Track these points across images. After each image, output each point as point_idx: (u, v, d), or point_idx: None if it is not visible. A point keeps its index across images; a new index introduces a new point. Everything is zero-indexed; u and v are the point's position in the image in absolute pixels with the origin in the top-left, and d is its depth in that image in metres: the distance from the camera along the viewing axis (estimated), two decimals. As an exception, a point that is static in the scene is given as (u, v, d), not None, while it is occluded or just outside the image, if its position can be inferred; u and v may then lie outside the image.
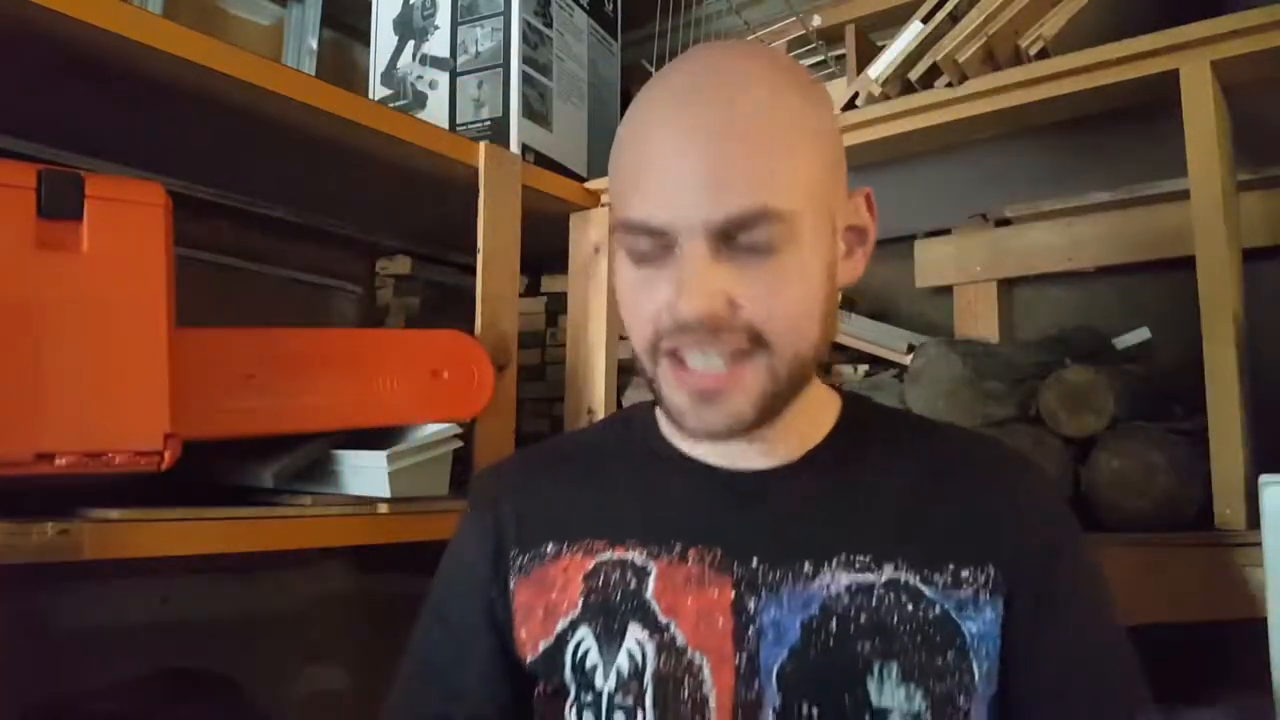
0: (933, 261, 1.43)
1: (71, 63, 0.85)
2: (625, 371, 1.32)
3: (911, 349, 1.21)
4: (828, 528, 0.64)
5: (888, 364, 1.27)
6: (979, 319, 1.37)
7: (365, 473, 0.95)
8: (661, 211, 0.59)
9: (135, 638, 1.17)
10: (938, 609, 0.61)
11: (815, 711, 0.59)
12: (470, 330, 1.10)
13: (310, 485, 0.98)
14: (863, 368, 1.30)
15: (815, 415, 0.70)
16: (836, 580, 0.62)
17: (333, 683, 1.36)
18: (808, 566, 0.62)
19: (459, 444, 1.02)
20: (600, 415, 1.26)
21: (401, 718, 0.71)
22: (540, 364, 1.48)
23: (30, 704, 0.99)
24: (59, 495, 0.78)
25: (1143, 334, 1.14)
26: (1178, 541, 0.86)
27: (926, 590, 0.62)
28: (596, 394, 1.27)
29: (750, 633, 0.61)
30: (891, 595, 0.61)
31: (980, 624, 0.62)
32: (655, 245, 0.61)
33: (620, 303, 0.66)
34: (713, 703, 0.60)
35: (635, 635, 0.63)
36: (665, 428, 0.72)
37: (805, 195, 0.61)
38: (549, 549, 0.69)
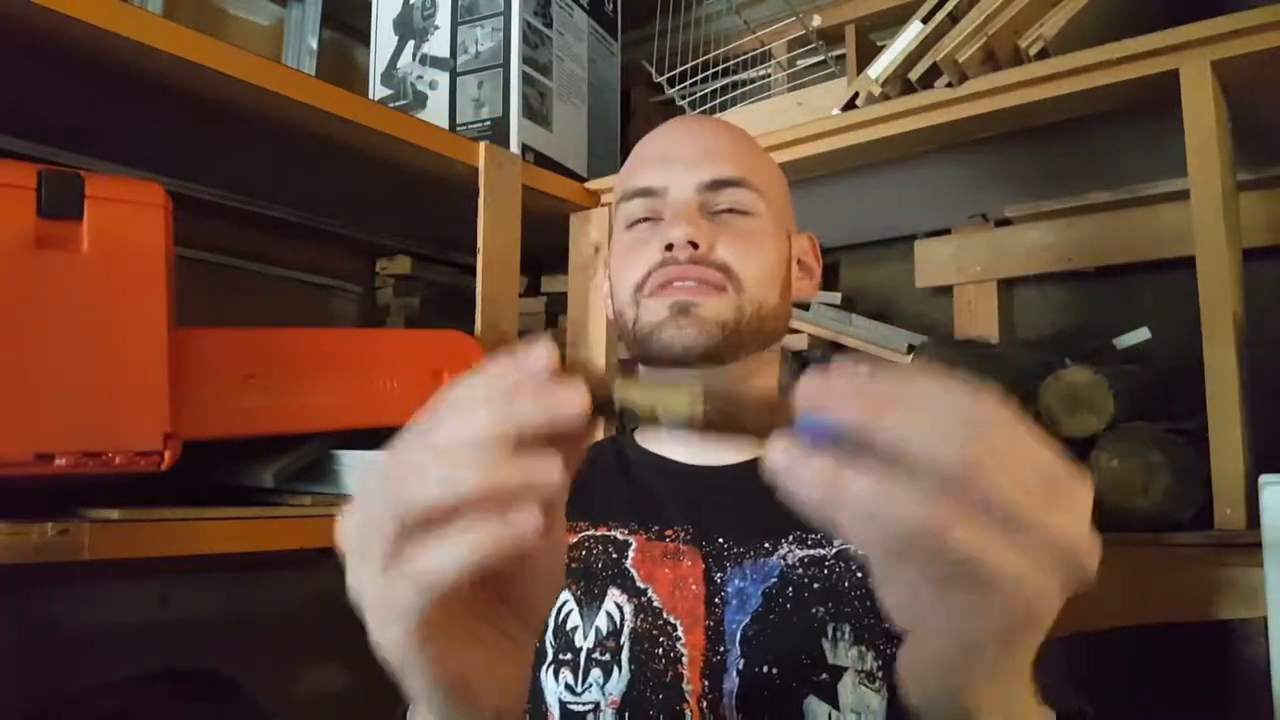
0: (933, 261, 1.43)
1: (71, 63, 0.85)
2: (625, 371, 1.32)
3: (911, 349, 1.21)
4: (782, 511, 0.68)
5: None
6: (979, 319, 1.37)
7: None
8: (659, 176, 0.75)
9: (135, 638, 1.17)
10: None
11: (775, 671, 0.64)
12: (470, 330, 1.10)
13: (310, 485, 0.97)
14: (863, 368, 1.30)
15: None
16: (792, 553, 0.68)
17: (333, 683, 1.36)
18: (767, 544, 0.69)
19: (459, 444, 1.02)
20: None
21: None
22: (540, 364, 1.48)
23: (30, 704, 0.99)
24: (59, 495, 0.78)
25: (1143, 334, 1.14)
26: (1178, 541, 0.86)
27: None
28: (596, 394, 1.27)
29: (717, 600, 0.67)
30: (841, 564, 0.67)
31: None
32: (649, 210, 0.75)
33: (613, 266, 0.78)
34: (685, 660, 0.65)
35: (614, 598, 0.68)
36: (640, 438, 0.80)
37: (770, 191, 0.77)
38: None
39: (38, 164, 0.73)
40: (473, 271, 1.13)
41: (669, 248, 0.72)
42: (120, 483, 0.77)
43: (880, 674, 0.64)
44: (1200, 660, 0.98)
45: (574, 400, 0.33)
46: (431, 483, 0.32)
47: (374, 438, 0.97)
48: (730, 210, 0.74)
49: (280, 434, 0.92)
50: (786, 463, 0.33)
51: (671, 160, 0.76)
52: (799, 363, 1.29)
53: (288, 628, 1.33)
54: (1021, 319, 1.40)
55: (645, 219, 0.76)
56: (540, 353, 0.33)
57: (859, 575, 0.67)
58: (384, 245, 1.53)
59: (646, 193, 0.76)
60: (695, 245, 0.71)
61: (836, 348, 1.34)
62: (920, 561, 0.32)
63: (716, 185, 0.74)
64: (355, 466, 0.97)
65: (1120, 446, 0.92)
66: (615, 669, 0.66)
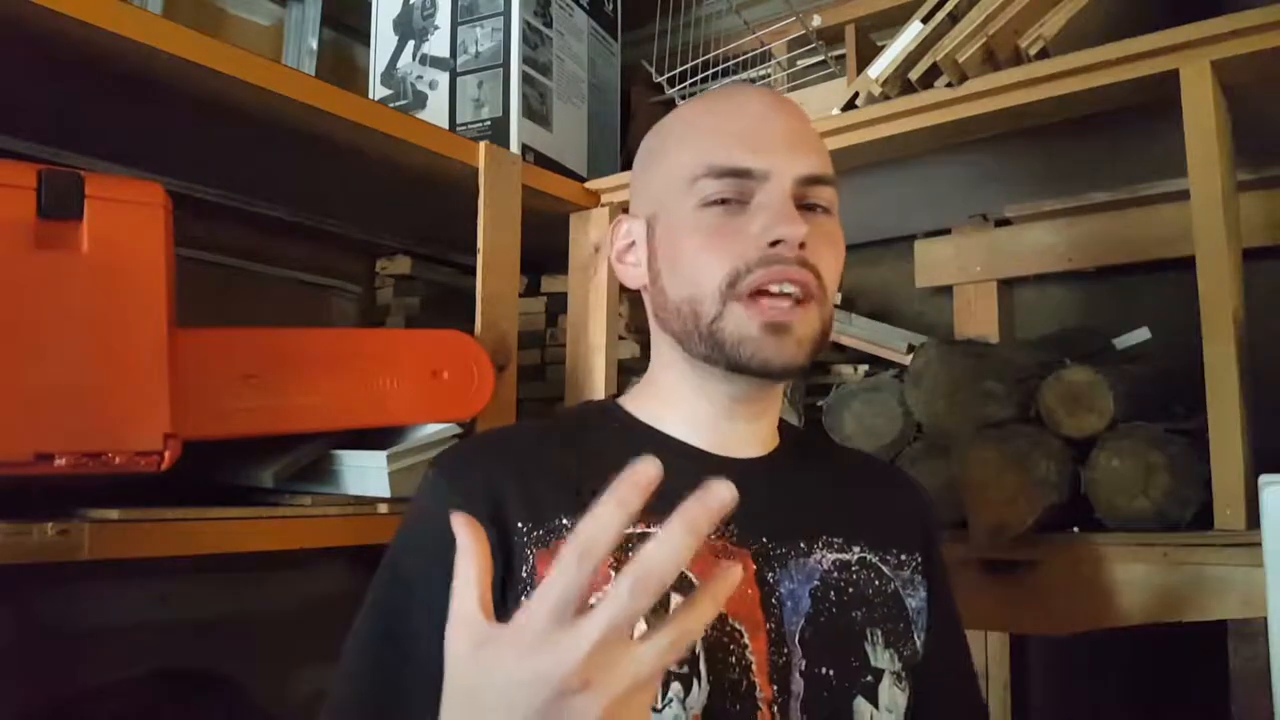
0: (933, 261, 1.43)
1: (71, 63, 0.85)
2: (625, 371, 1.32)
3: (911, 349, 1.21)
4: (809, 512, 0.71)
5: (887, 364, 1.27)
6: (979, 319, 1.37)
7: (365, 473, 0.95)
8: (758, 158, 0.67)
9: (135, 638, 1.17)
10: (892, 586, 0.71)
11: (832, 672, 0.64)
12: (470, 330, 1.10)
13: (310, 485, 0.98)
14: (863, 368, 1.30)
15: (776, 419, 0.77)
16: (825, 557, 0.69)
17: (332, 683, 1.36)
18: (803, 544, 0.68)
19: (459, 444, 1.02)
20: (600, 415, 1.26)
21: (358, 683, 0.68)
22: (540, 364, 1.48)
23: (30, 704, 0.99)
24: (59, 495, 0.78)
25: (1143, 334, 1.14)
26: (1178, 541, 0.86)
27: (884, 568, 0.71)
28: (596, 394, 1.27)
29: (774, 601, 0.66)
30: (864, 572, 0.69)
31: (917, 600, 0.72)
32: (737, 192, 0.67)
33: (689, 250, 0.68)
34: (754, 666, 0.64)
35: None
36: (646, 415, 0.74)
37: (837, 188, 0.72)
38: (563, 521, 0.66)
39: (38, 164, 0.73)
40: (473, 271, 1.13)
41: (774, 244, 0.65)
42: (120, 483, 0.77)
43: (905, 675, 0.67)
44: (1200, 660, 0.99)
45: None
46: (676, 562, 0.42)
47: (374, 438, 0.97)
48: (817, 208, 0.69)
49: (280, 434, 0.92)
50: None
51: (770, 142, 0.68)
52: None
53: (288, 628, 1.33)
54: (1021, 319, 1.40)
55: (730, 200, 0.67)
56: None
57: (877, 583, 0.69)
58: (384, 245, 1.53)
59: (741, 174, 0.67)
60: (802, 245, 0.66)
61: (837, 348, 1.34)
62: None
63: (812, 181, 0.68)
64: (355, 466, 0.97)
65: (1120, 446, 0.92)
66: (695, 682, 0.62)
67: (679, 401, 0.73)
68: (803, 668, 0.64)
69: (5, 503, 0.71)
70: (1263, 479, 0.74)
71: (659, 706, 0.61)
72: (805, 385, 1.28)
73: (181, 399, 0.76)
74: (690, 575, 0.65)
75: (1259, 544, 0.75)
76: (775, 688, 0.63)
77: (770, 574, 0.66)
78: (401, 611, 0.67)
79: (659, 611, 0.63)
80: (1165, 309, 1.21)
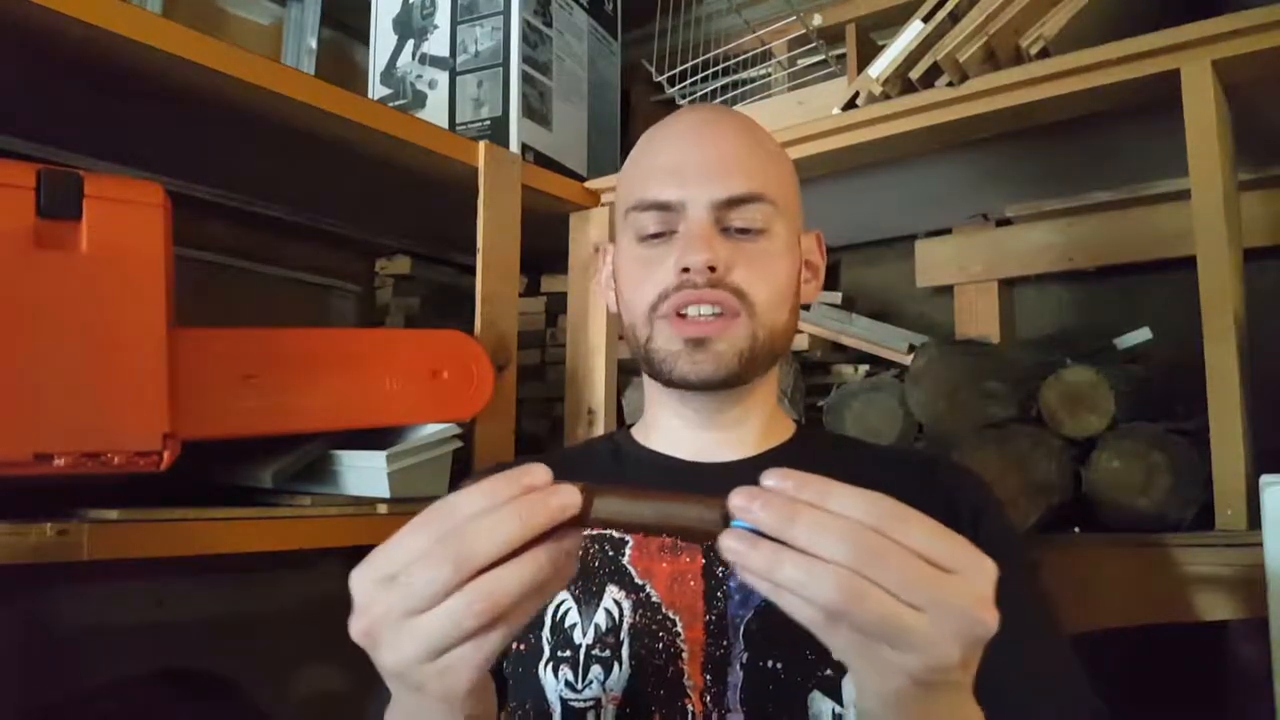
0: (933, 261, 1.43)
1: (71, 63, 0.85)
2: (625, 371, 1.32)
3: (912, 349, 1.21)
4: None
5: (888, 364, 1.27)
6: (979, 319, 1.37)
7: (365, 473, 0.95)
8: (673, 190, 0.72)
9: (134, 638, 1.17)
10: None
11: (780, 665, 0.64)
12: (470, 330, 1.10)
13: (310, 485, 0.97)
14: (863, 368, 1.30)
15: (772, 424, 0.78)
16: None
17: (332, 683, 1.36)
18: None
19: (458, 444, 1.02)
20: (600, 415, 1.26)
21: None
22: (540, 364, 1.48)
23: (30, 704, 0.99)
24: (59, 495, 0.78)
25: (1143, 334, 1.14)
26: (1178, 542, 0.86)
27: None
28: (596, 394, 1.27)
29: (719, 594, 0.67)
30: None
31: None
32: (662, 224, 0.73)
33: (623, 279, 0.76)
34: (686, 654, 0.65)
35: (613, 595, 0.69)
36: (640, 436, 0.80)
37: (783, 200, 0.74)
38: None
39: (38, 164, 0.73)
40: (472, 271, 1.13)
41: (685, 270, 0.70)
42: (120, 483, 0.77)
43: None
44: (1200, 660, 0.98)
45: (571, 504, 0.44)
46: (494, 541, 0.42)
47: (374, 438, 0.97)
48: (745, 230, 0.72)
49: (280, 434, 0.92)
50: (737, 549, 0.42)
51: (686, 172, 0.73)
52: (799, 363, 1.29)
53: (287, 628, 1.33)
54: (1022, 319, 1.39)
55: (659, 234, 0.73)
56: (566, 495, 0.44)
57: None
58: (384, 245, 1.53)
59: (660, 206, 0.73)
60: (713, 269, 0.70)
61: (837, 348, 1.34)
62: (845, 626, 0.41)
63: (733, 203, 0.71)
64: (355, 466, 0.97)
65: (1121, 446, 0.92)
66: (616, 665, 0.66)
67: (657, 418, 0.79)
68: (744, 660, 0.65)
69: (5, 503, 0.71)
70: (1263, 479, 0.74)
71: (579, 685, 0.66)
72: (806, 385, 1.28)
73: (181, 399, 0.76)
74: (634, 573, 0.69)
75: (1259, 544, 0.75)
76: (709, 677, 0.64)
77: (721, 568, 0.67)
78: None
79: (590, 601, 0.68)
80: (1166, 309, 1.21)
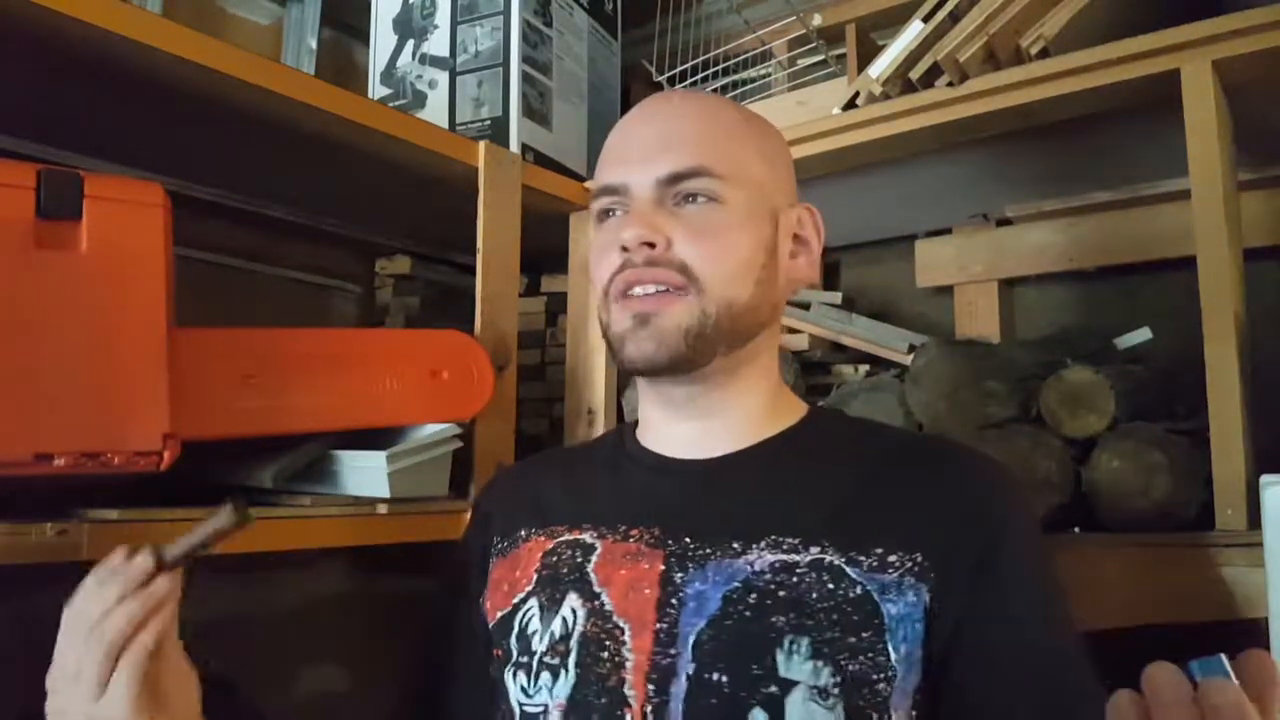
0: (933, 261, 1.43)
1: (71, 63, 0.85)
2: (625, 371, 1.32)
3: (912, 349, 1.21)
4: (762, 511, 0.69)
5: (888, 364, 1.27)
6: (979, 319, 1.37)
7: (365, 473, 0.95)
8: (620, 172, 0.72)
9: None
10: (859, 589, 0.64)
11: (725, 679, 0.62)
12: (470, 330, 1.10)
13: (310, 485, 0.97)
14: (863, 368, 1.30)
15: (769, 410, 0.75)
16: (761, 558, 0.66)
17: (332, 683, 1.36)
18: (736, 545, 0.67)
19: (458, 444, 1.02)
20: (600, 415, 1.26)
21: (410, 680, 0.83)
22: (540, 364, 1.48)
23: (29, 705, 0.99)
24: (58, 495, 0.78)
25: (1143, 334, 1.14)
26: (1178, 542, 0.86)
27: (850, 570, 0.64)
28: (596, 394, 1.27)
29: (674, 602, 0.65)
30: (813, 574, 0.64)
31: (901, 606, 0.63)
32: (616, 205, 0.72)
33: (593, 264, 0.75)
34: (630, 664, 0.64)
35: (571, 603, 0.69)
36: (639, 432, 0.79)
37: (741, 173, 0.71)
38: (522, 534, 0.77)
39: (37, 164, 0.73)
40: (472, 271, 1.13)
41: (625, 250, 0.69)
42: (120, 483, 0.77)
43: (837, 691, 0.61)
44: (1201, 660, 0.98)
45: (150, 582, 0.60)
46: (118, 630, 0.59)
47: (374, 438, 0.97)
48: (690, 201, 0.70)
49: (280, 434, 0.92)
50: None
51: (630, 153, 0.72)
52: (799, 363, 1.29)
53: (288, 628, 1.33)
54: (1022, 319, 1.39)
55: (611, 213, 0.73)
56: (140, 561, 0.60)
57: (830, 586, 0.64)
58: (384, 245, 1.53)
59: (610, 190, 0.73)
60: (651, 245, 0.68)
61: (837, 348, 1.34)
62: None
63: (675, 179, 0.70)
64: (355, 467, 0.97)
65: (1121, 447, 0.92)
66: (562, 672, 0.66)
67: (643, 411, 0.79)
68: (690, 671, 0.63)
69: (4, 503, 0.71)
70: (1264, 479, 0.74)
71: (530, 692, 0.67)
72: (806, 385, 1.28)
73: (181, 399, 0.76)
74: (594, 580, 0.69)
75: (1260, 544, 0.75)
76: (652, 688, 0.63)
77: (679, 574, 0.66)
78: (437, 615, 0.83)
79: (552, 609, 0.69)
80: (1166, 309, 1.21)
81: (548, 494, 0.79)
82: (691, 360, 0.69)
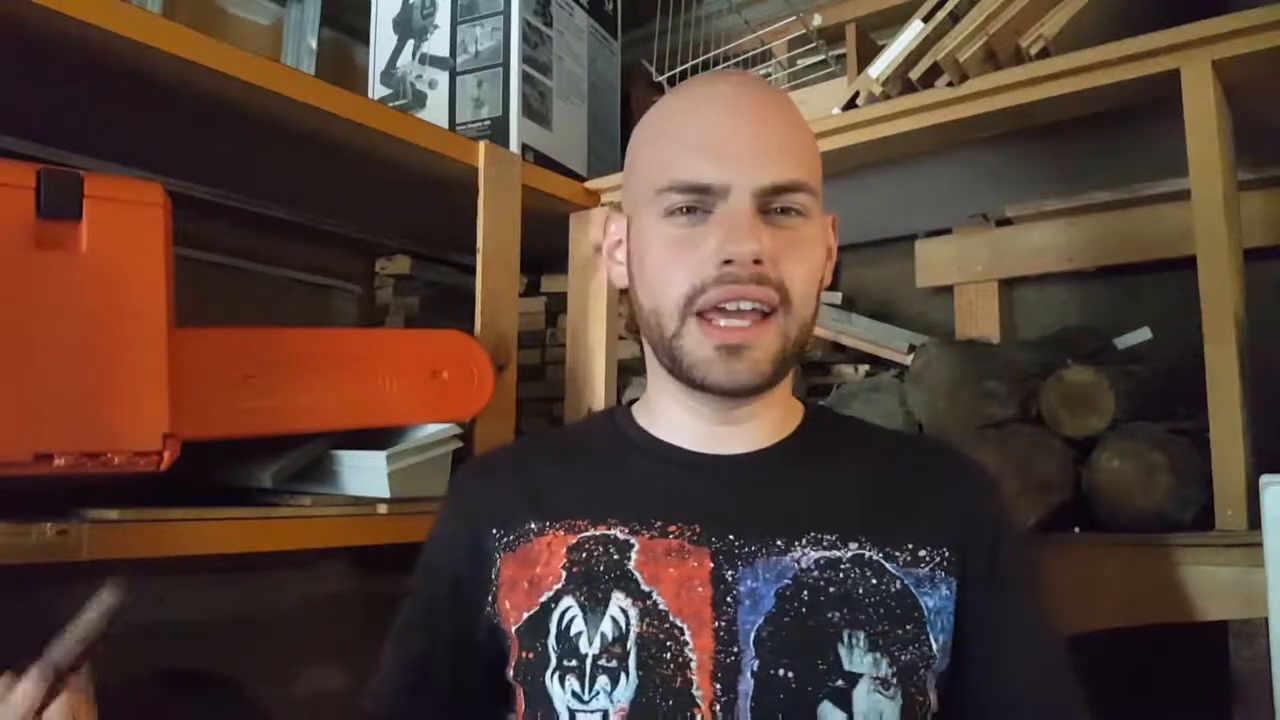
0: (933, 261, 1.43)
1: (71, 63, 0.85)
2: (625, 371, 1.32)
3: (912, 349, 1.21)
4: (797, 508, 0.69)
5: (888, 364, 1.27)
6: (979, 319, 1.37)
7: (365, 473, 0.95)
8: (714, 172, 0.66)
9: (134, 638, 1.16)
10: (899, 583, 0.66)
11: (791, 675, 0.63)
12: (470, 330, 1.10)
13: (310, 485, 0.97)
14: (863, 368, 1.30)
15: (786, 412, 0.76)
16: (806, 555, 0.66)
17: (332, 683, 1.36)
18: (780, 542, 0.67)
19: (459, 444, 1.02)
20: (600, 415, 1.26)
21: (384, 679, 0.78)
22: (540, 364, 1.48)
23: (30, 704, 0.99)
24: (58, 495, 0.78)
25: (1143, 334, 1.14)
26: (1178, 542, 0.86)
27: (889, 565, 0.67)
28: (596, 394, 1.27)
29: (729, 600, 0.65)
30: (857, 569, 0.66)
31: (937, 599, 0.67)
32: (699, 205, 0.67)
33: (653, 263, 0.69)
34: (694, 664, 0.63)
35: (619, 603, 0.66)
36: (642, 419, 0.77)
37: (818, 185, 0.71)
38: (531, 526, 0.72)
39: (38, 164, 0.73)
40: (472, 271, 1.13)
41: (728, 262, 0.65)
42: (120, 483, 0.77)
43: (895, 680, 0.63)
44: (1200, 660, 0.98)
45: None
46: None
47: (374, 438, 0.97)
48: (782, 213, 0.67)
49: (280, 434, 0.92)
50: None
51: (724, 151, 0.67)
52: (799, 363, 1.29)
53: (288, 628, 1.33)
54: (1022, 319, 1.39)
55: (691, 210, 0.67)
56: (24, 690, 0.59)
57: (873, 581, 0.66)
58: (384, 245, 1.53)
59: (700, 189, 0.67)
60: (758, 261, 0.65)
61: (837, 348, 1.34)
62: None
63: (779, 190, 0.67)
64: (355, 467, 0.97)
65: (1121, 447, 0.92)
66: (623, 676, 0.64)
67: (663, 407, 0.75)
68: (755, 668, 0.63)
69: (5, 503, 0.71)
70: (1264, 479, 0.74)
71: (586, 697, 0.65)
72: (806, 385, 1.28)
73: (181, 399, 0.76)
74: (640, 579, 0.67)
75: (1260, 544, 0.75)
76: (719, 686, 0.63)
77: (730, 572, 0.66)
78: (409, 621, 0.78)
79: (596, 609, 0.67)
80: (1166, 309, 1.21)
81: (547, 484, 0.75)
82: (773, 383, 0.69)
